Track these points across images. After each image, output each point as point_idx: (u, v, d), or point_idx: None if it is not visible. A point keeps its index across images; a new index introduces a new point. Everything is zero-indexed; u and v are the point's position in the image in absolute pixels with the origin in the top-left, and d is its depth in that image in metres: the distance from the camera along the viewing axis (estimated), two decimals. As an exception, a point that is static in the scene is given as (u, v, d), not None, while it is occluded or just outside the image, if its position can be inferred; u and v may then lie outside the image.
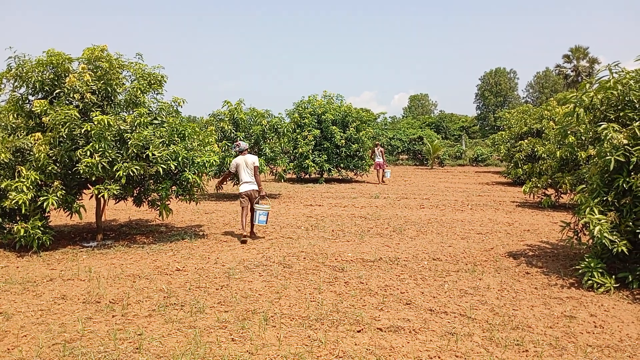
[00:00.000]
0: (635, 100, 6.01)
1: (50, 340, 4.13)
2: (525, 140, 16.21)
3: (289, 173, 20.50)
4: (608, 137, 5.72)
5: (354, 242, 8.30)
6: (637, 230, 5.52)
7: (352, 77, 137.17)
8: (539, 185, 11.70)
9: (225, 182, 10.44)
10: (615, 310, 5.00)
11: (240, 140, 11.96)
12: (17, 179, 7.10)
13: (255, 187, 8.70)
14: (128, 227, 9.87)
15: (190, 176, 8.01)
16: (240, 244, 8.11)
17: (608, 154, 5.73)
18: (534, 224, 10.25)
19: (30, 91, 8.05)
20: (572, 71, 52.80)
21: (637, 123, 5.71)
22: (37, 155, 7.18)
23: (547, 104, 17.55)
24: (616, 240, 5.52)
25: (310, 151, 19.73)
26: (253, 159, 8.78)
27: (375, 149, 21.66)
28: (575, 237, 6.61)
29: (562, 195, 12.32)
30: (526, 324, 4.60)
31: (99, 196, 7.69)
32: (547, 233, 9.20)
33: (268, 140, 15.01)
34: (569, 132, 7.18)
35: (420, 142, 35.16)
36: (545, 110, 16.89)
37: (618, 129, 5.77)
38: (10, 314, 4.78)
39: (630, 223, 5.65)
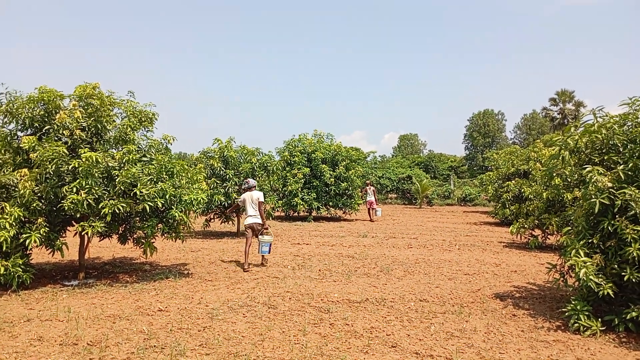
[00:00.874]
0: (619, 144, 6.13)
1: (23, 384, 3.99)
2: (513, 181, 16.37)
3: (278, 211, 20.46)
4: (593, 180, 5.79)
5: (340, 282, 8.22)
6: (623, 273, 5.53)
7: (343, 116, 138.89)
8: (526, 225, 11.72)
9: (233, 211, 12.26)
10: (602, 354, 4.95)
11: (249, 177, 12.73)
12: (0, 216, 7.01)
13: (259, 221, 9.67)
14: (111, 265, 9.71)
15: (177, 214, 7.95)
16: (229, 283, 7.99)
17: (593, 196, 5.79)
18: (521, 264, 10.24)
19: (19, 127, 8.03)
20: (558, 114, 53.93)
21: (621, 166, 5.81)
22: (22, 191, 7.11)
23: (534, 145, 17.81)
24: (602, 283, 5.52)
25: (300, 189, 19.78)
26: (258, 195, 9.75)
27: (367, 187, 21.81)
28: (562, 279, 6.59)
29: (549, 236, 12.36)
30: (513, 368, 4.53)
31: (83, 233, 7.59)
32: (534, 274, 9.19)
33: (257, 178, 15.02)
34: (554, 174, 7.27)
35: (409, 181, 35.38)
36: (532, 152, 17.13)
37: (602, 172, 5.86)
38: (-16, 355, 4.63)
39: (616, 266, 5.66)
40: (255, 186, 9.88)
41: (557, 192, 8.26)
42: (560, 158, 6.63)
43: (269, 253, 9.70)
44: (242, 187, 10.30)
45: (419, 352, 4.91)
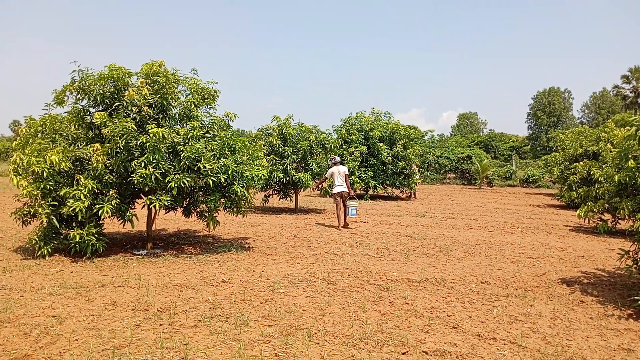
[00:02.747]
0: (703, 124, 5.69)
1: (100, 346, 4.24)
2: (581, 163, 15.62)
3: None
4: (673, 163, 5.42)
5: (399, 261, 8.18)
6: None
7: (400, 93, 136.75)
8: (594, 209, 11.12)
9: (321, 185, 13.66)
10: (680, 346, 4.69)
11: (334, 155, 14.63)
12: (75, 187, 7.41)
13: (346, 189, 11.81)
14: (177, 237, 10.11)
15: (238, 189, 8.12)
16: (286, 259, 8.14)
17: (673, 179, 5.42)
18: (588, 250, 9.81)
19: (91, 103, 8.40)
20: (631, 92, 50.63)
21: None
22: (95, 164, 7.47)
23: (605, 125, 16.88)
24: (680, 271, 5.20)
25: (357, 167, 19.71)
26: (344, 169, 11.98)
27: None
28: (635, 265, 6.25)
29: (619, 221, 11.70)
30: (581, 355, 4.37)
31: (151, 206, 7.91)
32: (603, 260, 8.78)
33: (315, 156, 15.10)
34: (629, 156, 6.86)
35: (469, 161, 34.50)
36: (602, 132, 16.26)
37: (684, 153, 5.47)
38: (63, 317, 4.95)
39: (696, 253, 5.31)
40: (340, 162, 12.09)
41: (631, 175, 7.80)
42: (636, 139, 6.25)
43: (356, 215, 12.47)
44: (330, 163, 12.40)
45: (481, 335, 4.82)
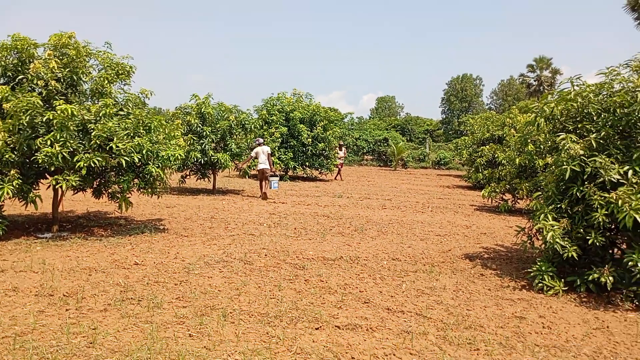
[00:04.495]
0: (593, 113, 6.27)
1: (0, 334, 4.02)
2: (487, 146, 16.59)
3: (254, 169, 20.44)
4: (565, 147, 5.94)
5: (315, 240, 8.36)
6: (587, 237, 5.76)
7: (322, 76, 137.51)
8: (497, 190, 12.00)
9: (241, 166, 15.05)
10: (563, 312, 5.22)
11: (259, 137, 15.71)
12: (-30, 167, 6.85)
13: (268, 167, 13.97)
14: (86, 219, 9.65)
15: (153, 169, 7.89)
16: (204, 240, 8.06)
17: (564, 163, 5.95)
18: (490, 227, 10.54)
19: (-8, 76, 7.77)
20: (535, 81, 54.08)
21: (594, 135, 5.96)
22: (-6, 142, 6.94)
23: (510, 111, 17.99)
24: (567, 245, 5.75)
25: (277, 148, 19.71)
26: (267, 149, 14.20)
27: (338, 148, 22.15)
28: (529, 241, 6.82)
29: (518, 200, 12.70)
30: (479, 323, 4.75)
31: (57, 187, 7.49)
32: (503, 236, 9.49)
33: (235, 136, 14.91)
34: (529, 141, 7.41)
35: (386, 144, 35.58)
36: (507, 118, 17.32)
37: (575, 139, 6.01)
38: (-42, 305, 4.62)
39: (582, 230, 5.88)
40: (263, 142, 14.40)
41: (529, 158, 8.45)
42: (535, 125, 6.77)
43: (278, 188, 14.59)
44: (254, 143, 14.45)
45: (390, 308, 5.09)
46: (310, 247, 7.81)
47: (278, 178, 14.53)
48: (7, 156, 7.07)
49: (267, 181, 13.95)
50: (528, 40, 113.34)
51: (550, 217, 5.99)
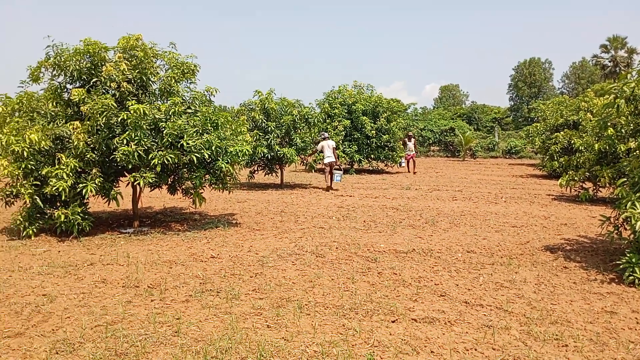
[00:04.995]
0: (680, 91, 5.78)
1: (93, 322, 4.25)
2: (562, 132, 15.79)
3: (319, 163, 20.54)
4: (652, 129, 5.52)
5: (386, 233, 8.26)
6: (682, 225, 5.33)
7: (382, 66, 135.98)
8: (576, 178, 11.38)
9: (306, 160, 16.22)
10: (659, 307, 4.85)
11: (324, 131, 16.53)
12: (57, 166, 7.30)
13: (334, 160, 14.59)
14: (163, 214, 10.06)
15: (223, 165, 8.07)
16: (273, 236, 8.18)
17: (652, 145, 5.53)
18: (571, 217, 10.01)
19: (68, 80, 8.21)
20: (609, 62, 51.00)
21: (683, 115, 5.50)
22: (75, 143, 7.36)
23: (585, 95, 17.05)
24: (660, 235, 5.34)
25: (341, 141, 19.69)
26: (333, 143, 14.89)
27: (407, 139, 21.58)
28: (616, 231, 6.40)
29: (600, 189, 11.97)
30: (565, 318, 4.49)
31: (135, 184, 7.85)
32: (585, 227, 8.97)
33: (299, 130, 15.03)
34: (608, 124, 6.95)
35: (452, 134, 34.68)
36: (582, 102, 16.43)
37: (662, 120, 5.57)
38: (54, 296, 4.93)
39: (674, 217, 5.45)
40: (328, 136, 15.14)
41: (610, 142, 7.94)
42: (615, 107, 6.33)
43: (340, 181, 14.93)
44: (320, 137, 15.13)
45: (468, 302, 4.93)
46: (381, 239, 7.73)
47: (342, 172, 15.17)
48: (88, 156, 7.49)
49: (332, 174, 14.66)
50: (599, 20, 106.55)
51: (638, 205, 5.59)
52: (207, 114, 8.26)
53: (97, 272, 5.78)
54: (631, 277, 5.54)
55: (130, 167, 7.73)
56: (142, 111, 7.42)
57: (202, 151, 7.79)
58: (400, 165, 21.47)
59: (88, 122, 7.59)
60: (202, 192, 8.53)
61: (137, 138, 7.43)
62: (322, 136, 14.91)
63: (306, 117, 15.12)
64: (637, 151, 6.08)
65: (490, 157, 33.86)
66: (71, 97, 7.76)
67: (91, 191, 7.40)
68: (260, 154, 13.82)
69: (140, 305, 4.70)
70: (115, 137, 7.63)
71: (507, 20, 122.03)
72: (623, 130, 6.79)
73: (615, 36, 50.32)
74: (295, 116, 14.73)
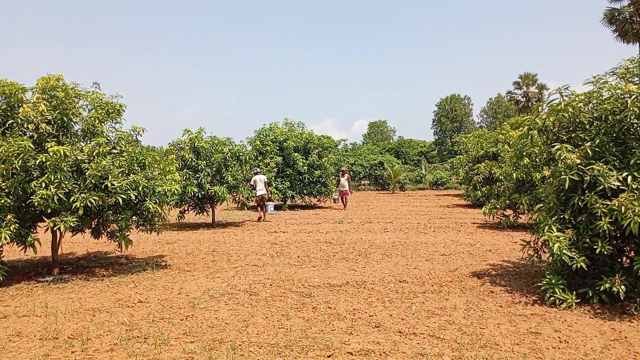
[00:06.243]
0: (585, 122, 6.29)
1: (4, 381, 3.89)
2: (482, 164, 16.63)
3: (252, 201, 20.37)
4: (562, 157, 5.94)
5: (320, 267, 8.26)
6: (594, 247, 5.71)
7: (313, 104, 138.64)
8: (497, 206, 12.00)
9: (238, 198, 15.94)
10: (578, 325, 5.12)
11: (255, 167, 17.02)
12: (-33, 213, 6.77)
13: (265, 193, 16.09)
14: (86, 260, 9.51)
15: (151, 206, 7.81)
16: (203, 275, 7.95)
17: (562, 173, 5.94)
18: (495, 244, 10.47)
19: (-20, 123, 7.75)
20: (522, 97, 54.68)
21: (589, 143, 5.97)
22: (-12, 187, 6.88)
23: (502, 128, 18.11)
24: (575, 256, 5.69)
25: (273, 178, 19.70)
26: (264, 177, 16.29)
27: (340, 175, 21.86)
28: (536, 255, 6.76)
29: (520, 215, 12.67)
30: (494, 341, 4.64)
31: (55, 229, 7.41)
32: (508, 252, 9.41)
33: (230, 168, 14.89)
34: (524, 154, 7.42)
35: (381, 168, 35.66)
36: (500, 134, 17.42)
37: (571, 149, 6.02)
38: (-40, 355, 4.49)
39: (588, 239, 5.84)
40: (260, 171, 16.60)
41: (526, 171, 8.44)
42: (529, 137, 6.80)
43: (274, 211, 18.05)
44: (252, 172, 16.13)
45: (402, 331, 4.98)
46: (315, 274, 7.71)
47: (273, 202, 17.91)
48: (2, 201, 7.00)
49: (265, 206, 16.29)
50: (511, 58, 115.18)
51: (554, 228, 5.95)
52: (134, 153, 8.01)
53: (11, 325, 5.32)
54: (552, 298, 5.85)
55: (49, 211, 7.29)
56: (62, 153, 7.08)
57: (129, 192, 7.51)
58: (334, 201, 21.76)
59: (2, 166, 7.14)
60: (128, 235, 8.17)
61: (57, 181, 7.06)
62: (254, 171, 16.14)
63: (237, 154, 15.02)
64: (551, 179, 6.50)
65: (418, 189, 35.04)
66: (-16, 141, 7.29)
67: (5, 239, 6.88)
68: (191, 193, 13.51)
69: (59, 358, 4.35)
70: (32, 180, 7.21)
71: (428, 59, 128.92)
72: (537, 160, 7.24)
73: (526, 73, 54.12)
74: (227, 154, 14.61)
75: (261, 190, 15.95)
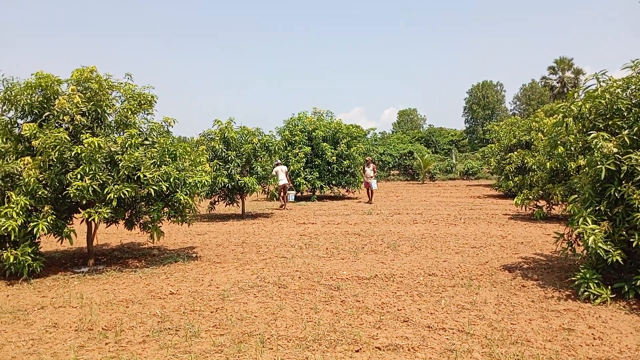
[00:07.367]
0: (623, 109, 6.06)
1: (42, 371, 4.03)
2: (515, 152, 16.28)
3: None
4: (598, 146, 5.75)
5: (348, 259, 8.25)
6: (631, 240, 5.53)
7: (342, 93, 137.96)
8: (530, 197, 11.72)
9: (267, 189, 17.00)
10: (613, 322, 4.98)
11: (276, 160, 17.14)
12: (6, 205, 7.00)
13: (287, 182, 17.22)
14: (120, 251, 9.76)
15: (182, 197, 7.93)
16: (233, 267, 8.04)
17: (599, 163, 5.75)
18: (527, 236, 10.26)
19: (19, 114, 7.95)
20: (557, 82, 53.33)
21: (626, 131, 5.76)
22: (26, 179, 7.08)
23: (535, 115, 17.67)
24: (610, 250, 5.52)
25: (302, 168, 19.74)
26: (285, 167, 17.35)
27: (365, 165, 21.64)
28: (570, 248, 6.59)
29: (553, 206, 12.37)
30: (525, 338, 4.56)
31: (90, 220, 7.60)
32: (541, 245, 9.21)
33: (259, 159, 14.99)
34: (558, 143, 7.20)
35: (411, 157, 35.33)
36: (533, 122, 17.01)
37: (608, 137, 5.81)
38: (1, 344, 4.67)
39: (624, 232, 5.66)
40: (281, 162, 17.55)
41: (561, 161, 8.21)
42: (563, 125, 6.58)
43: (294, 199, 18.80)
44: (274, 164, 16.53)
45: (431, 326, 4.94)
46: (344, 266, 7.71)
47: (295, 191, 19.02)
48: (40, 192, 7.21)
49: (286, 195, 17.79)
50: (546, 43, 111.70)
51: (589, 221, 5.77)
52: (165, 145, 8.12)
53: (48, 316, 5.51)
54: (586, 293, 5.69)
55: (84, 202, 7.47)
56: (96, 144, 7.24)
57: (160, 183, 7.64)
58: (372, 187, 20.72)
59: (40, 158, 7.35)
60: (160, 226, 8.33)
61: (91, 172, 7.22)
62: (276, 162, 16.76)
63: (267, 145, 15.11)
64: (586, 168, 6.30)
65: (448, 179, 34.59)
66: (22, 132, 7.51)
67: (43, 230, 7.11)
68: (221, 184, 13.68)
69: (93, 349, 4.49)
70: (68, 172, 7.40)
71: (461, 43, 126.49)
72: (572, 148, 7.02)
73: (562, 58, 52.72)
74: (256, 144, 14.70)
75: (283, 180, 17.01)
